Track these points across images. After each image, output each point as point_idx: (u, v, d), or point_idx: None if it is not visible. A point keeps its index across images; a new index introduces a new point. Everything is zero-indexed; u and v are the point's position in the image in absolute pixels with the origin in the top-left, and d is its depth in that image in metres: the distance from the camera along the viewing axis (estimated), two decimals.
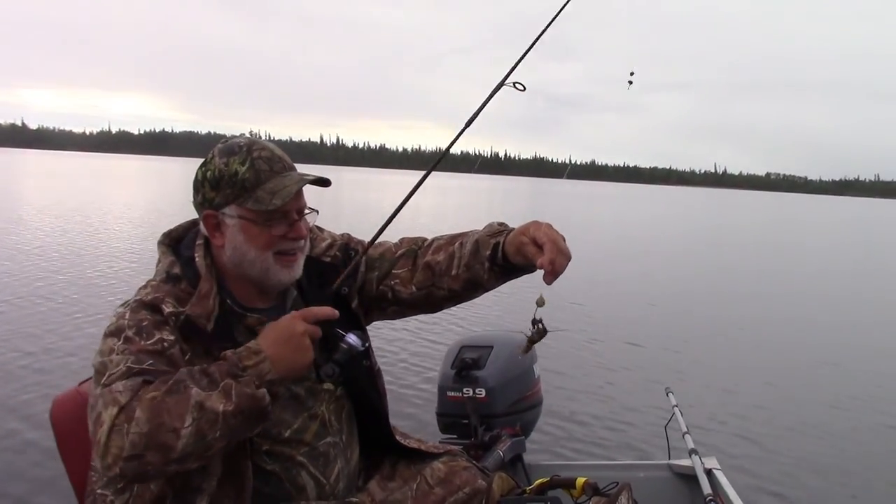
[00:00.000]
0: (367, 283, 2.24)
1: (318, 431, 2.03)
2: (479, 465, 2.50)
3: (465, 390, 3.22)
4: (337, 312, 1.89)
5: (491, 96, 2.22)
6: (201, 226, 1.99)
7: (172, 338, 1.83)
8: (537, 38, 2.33)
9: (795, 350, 9.64)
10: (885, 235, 41.56)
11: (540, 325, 2.07)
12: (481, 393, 3.21)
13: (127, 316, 1.84)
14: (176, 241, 2.05)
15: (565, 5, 2.39)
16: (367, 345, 2.08)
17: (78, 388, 2.14)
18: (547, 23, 2.34)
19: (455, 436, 3.29)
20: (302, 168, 2.07)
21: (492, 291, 2.22)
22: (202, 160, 2.01)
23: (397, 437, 2.29)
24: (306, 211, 2.00)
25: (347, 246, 2.23)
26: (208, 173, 1.94)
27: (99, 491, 1.89)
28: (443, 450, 2.43)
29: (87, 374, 2.21)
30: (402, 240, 2.30)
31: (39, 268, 12.63)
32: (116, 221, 22.01)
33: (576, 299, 11.78)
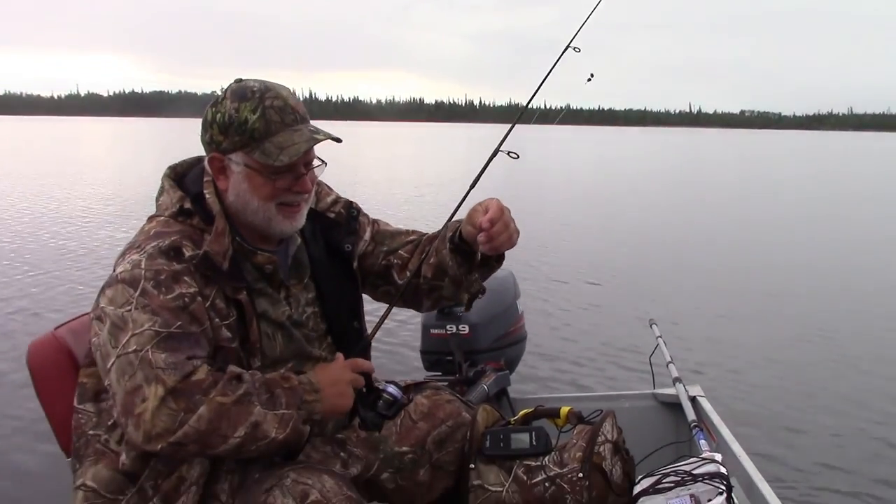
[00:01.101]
0: (374, 255, 2.26)
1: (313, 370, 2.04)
2: (464, 398, 2.52)
3: (448, 327, 3.22)
4: (373, 367, 2.00)
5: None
6: (206, 163, 1.96)
7: (193, 290, 1.81)
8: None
9: (776, 281, 9.84)
10: (857, 167, 41.89)
11: None
12: (465, 329, 3.22)
13: (143, 264, 1.80)
14: (180, 177, 2.03)
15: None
16: (408, 398, 2.17)
17: (54, 332, 2.11)
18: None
19: (440, 373, 3.31)
20: None
21: None
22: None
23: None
24: (315, 163, 1.98)
25: (351, 205, 2.23)
26: (218, 115, 1.90)
27: (91, 432, 1.88)
28: (426, 384, 2.44)
29: (63, 320, 2.20)
30: (413, 230, 2.35)
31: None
32: (88, 183, 21.83)
33: (558, 240, 11.97)
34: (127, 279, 1.79)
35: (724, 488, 2.10)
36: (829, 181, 29.09)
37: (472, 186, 2.21)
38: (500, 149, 2.26)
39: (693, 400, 2.97)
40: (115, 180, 23.01)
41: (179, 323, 1.76)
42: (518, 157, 2.25)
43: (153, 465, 1.82)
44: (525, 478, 2.24)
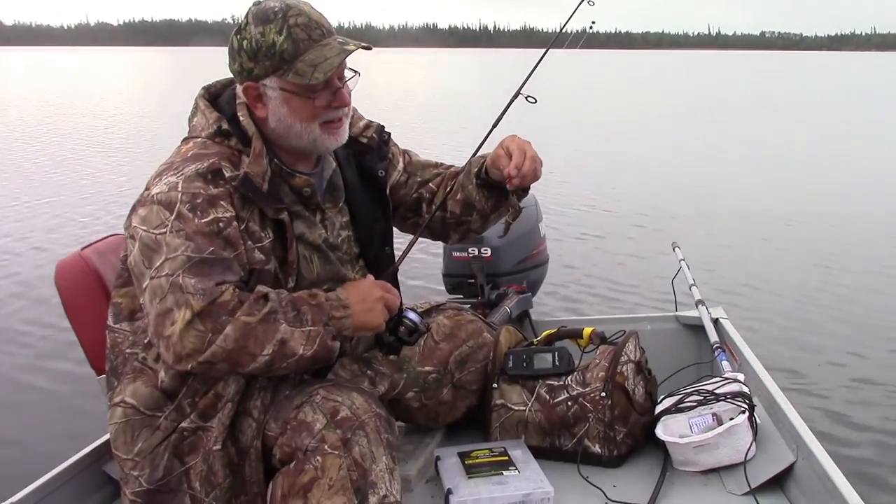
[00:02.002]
0: (407, 186, 2.29)
1: None
2: (486, 320, 2.55)
3: (470, 250, 3.23)
4: (400, 299, 2.00)
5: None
6: (238, 89, 1.95)
7: (229, 214, 1.82)
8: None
9: (798, 207, 9.76)
10: (881, 89, 41.17)
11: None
12: (486, 252, 3.23)
13: (180, 186, 1.80)
14: (214, 97, 2.02)
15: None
16: (427, 325, 2.16)
17: (81, 252, 2.15)
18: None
19: (462, 296, 3.33)
20: None
21: None
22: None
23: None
24: (348, 76, 1.96)
25: (383, 130, 2.22)
26: (244, 42, 1.88)
27: (128, 350, 1.92)
28: (447, 305, 2.47)
29: (89, 241, 2.24)
30: (439, 162, 2.36)
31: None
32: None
33: (579, 167, 11.89)
34: (163, 201, 1.79)
35: (746, 407, 2.13)
36: (852, 104, 28.58)
37: (493, 127, 2.23)
38: (521, 92, 2.28)
39: (715, 322, 2.98)
40: (132, 112, 22.97)
41: (212, 248, 1.77)
42: (536, 101, 2.27)
43: (191, 382, 1.86)
44: (548, 397, 2.29)
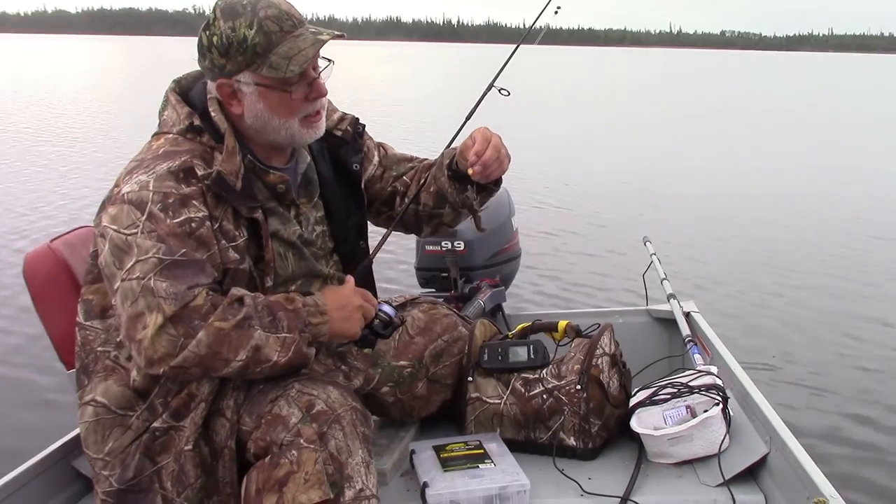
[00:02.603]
0: (382, 180, 2.29)
1: (321, 288, 2.06)
2: (461, 314, 2.56)
3: (443, 243, 3.24)
4: (377, 305, 2.01)
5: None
6: (210, 85, 1.93)
7: (201, 213, 1.80)
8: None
9: (765, 201, 9.96)
10: (843, 89, 41.96)
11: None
12: (460, 245, 3.24)
13: (151, 185, 1.78)
14: (185, 91, 2.00)
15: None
16: (402, 318, 2.19)
17: (49, 244, 2.12)
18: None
19: (435, 289, 3.34)
20: None
21: None
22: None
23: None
24: (323, 65, 1.95)
25: (357, 122, 2.22)
26: (214, 38, 1.85)
27: (100, 349, 1.90)
28: (422, 299, 2.47)
29: (59, 232, 2.21)
30: (412, 156, 2.36)
31: None
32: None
33: (550, 163, 11.95)
34: (134, 200, 1.77)
35: (719, 399, 2.16)
36: (815, 103, 29.08)
37: (467, 120, 2.25)
38: (494, 84, 2.30)
39: (687, 316, 3.02)
40: (96, 98, 22.62)
41: (184, 250, 1.76)
42: (509, 94, 2.28)
43: (163, 382, 1.85)
44: (523, 390, 2.30)
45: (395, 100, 24.69)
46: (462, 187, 2.20)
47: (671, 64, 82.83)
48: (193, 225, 1.79)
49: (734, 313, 5.77)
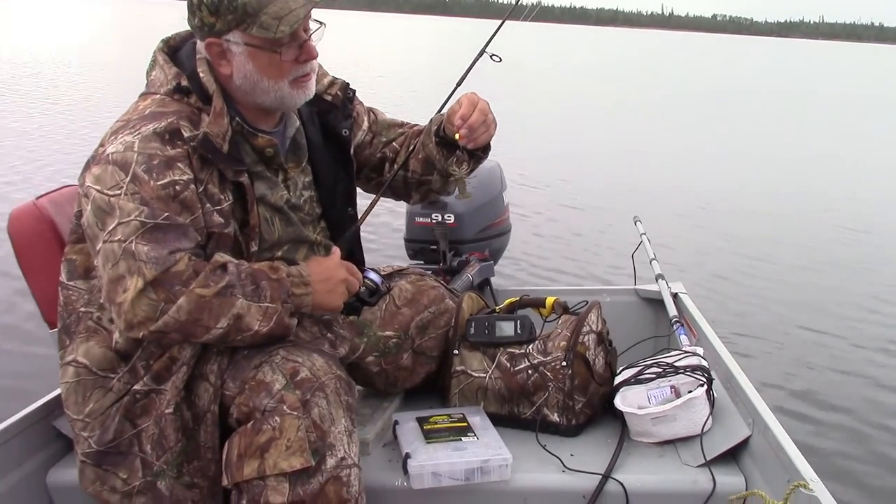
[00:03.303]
0: (372, 146, 2.27)
1: (307, 255, 2.06)
2: (448, 286, 2.56)
3: (433, 216, 3.24)
4: (361, 280, 2.01)
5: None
6: (199, 45, 1.90)
7: (186, 176, 1.78)
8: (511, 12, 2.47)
9: (756, 185, 10.04)
10: (827, 77, 42.01)
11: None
12: (450, 218, 3.24)
13: (136, 146, 1.76)
14: (173, 51, 1.97)
15: None
16: (388, 286, 2.19)
17: (35, 202, 2.10)
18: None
19: (423, 262, 3.34)
20: None
21: None
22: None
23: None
24: (314, 27, 1.93)
25: (348, 87, 2.20)
26: None
27: (82, 309, 1.89)
28: (410, 270, 2.47)
29: (45, 190, 2.19)
30: (403, 121, 2.34)
31: None
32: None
33: (541, 140, 11.92)
34: (118, 161, 1.75)
35: (704, 381, 2.17)
36: (808, 90, 29.15)
37: (457, 86, 2.24)
38: (486, 50, 2.28)
39: (675, 296, 3.03)
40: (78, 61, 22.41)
41: (167, 214, 1.74)
42: (500, 60, 2.27)
43: (146, 344, 1.84)
44: (508, 365, 2.30)
45: (384, 70, 24.55)
46: (450, 153, 2.18)
47: (662, 46, 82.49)
48: (178, 188, 1.77)
49: (723, 294, 5.82)
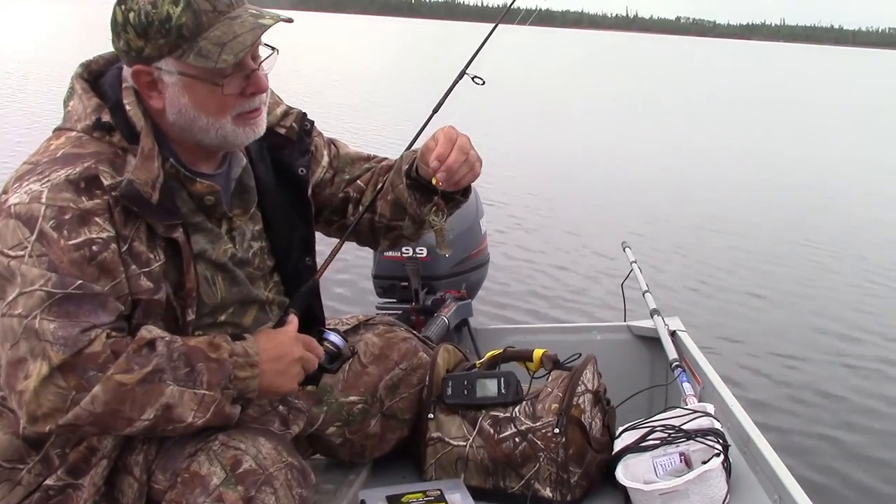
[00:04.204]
0: (333, 185, 1.96)
1: (258, 316, 1.77)
2: (422, 335, 2.30)
3: (404, 250, 2.93)
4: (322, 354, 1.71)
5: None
6: (126, 71, 1.60)
7: (105, 234, 1.48)
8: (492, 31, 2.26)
9: (751, 201, 9.74)
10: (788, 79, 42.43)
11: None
12: (422, 252, 2.93)
13: (44, 198, 1.46)
14: (95, 77, 1.65)
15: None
16: (353, 349, 1.94)
17: None
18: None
19: (394, 300, 3.04)
20: None
21: None
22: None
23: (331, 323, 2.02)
24: (265, 54, 1.62)
25: (305, 118, 1.89)
26: (131, 15, 1.51)
27: None
28: (378, 320, 2.18)
29: None
30: (369, 155, 2.04)
31: None
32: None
33: (512, 157, 11.57)
34: (22, 215, 1.46)
35: (720, 449, 1.91)
36: (784, 94, 29.33)
37: (434, 112, 1.97)
38: (466, 72, 2.03)
39: (673, 335, 2.78)
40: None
41: (80, 281, 1.45)
42: (484, 82, 2.02)
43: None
44: (492, 431, 2.04)
45: (349, 75, 24.15)
46: (423, 197, 1.89)
47: (627, 49, 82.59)
48: (95, 248, 1.47)
49: (724, 332, 5.34)
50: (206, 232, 1.67)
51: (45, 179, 1.48)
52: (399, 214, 1.93)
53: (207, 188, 1.65)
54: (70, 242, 1.45)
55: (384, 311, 2.94)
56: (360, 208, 1.95)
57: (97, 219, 1.48)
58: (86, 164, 1.50)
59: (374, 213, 1.95)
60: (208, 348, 1.53)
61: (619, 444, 2.04)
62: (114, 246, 1.50)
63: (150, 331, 1.50)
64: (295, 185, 1.86)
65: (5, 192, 1.51)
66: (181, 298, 1.60)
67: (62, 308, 1.43)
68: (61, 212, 1.46)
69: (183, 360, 1.49)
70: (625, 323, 3.00)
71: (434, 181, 1.75)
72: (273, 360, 1.59)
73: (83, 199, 1.48)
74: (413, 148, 1.92)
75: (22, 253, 1.44)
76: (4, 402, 1.57)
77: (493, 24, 2.27)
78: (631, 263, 3.35)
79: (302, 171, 1.86)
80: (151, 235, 1.55)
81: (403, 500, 1.94)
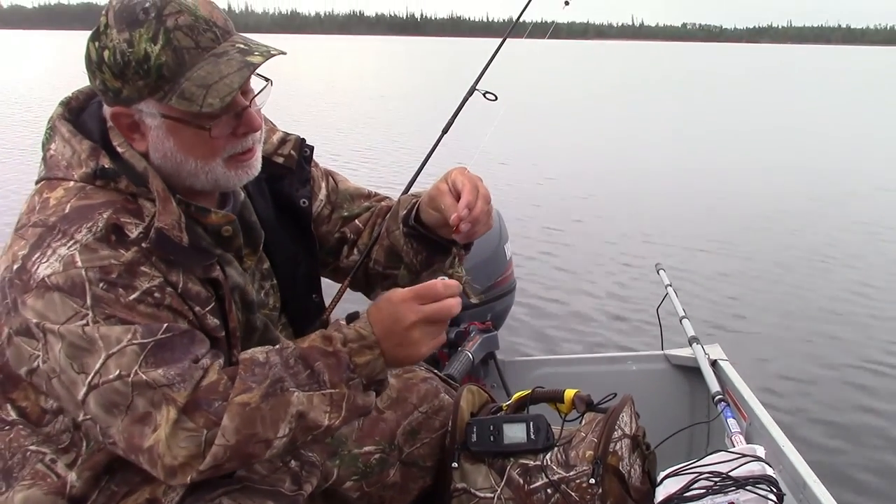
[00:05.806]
0: (330, 222, 1.87)
1: None
2: (444, 372, 2.18)
3: None
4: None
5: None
6: (107, 110, 1.49)
7: (157, 282, 1.39)
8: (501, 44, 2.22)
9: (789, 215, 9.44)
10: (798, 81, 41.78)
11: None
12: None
13: (79, 261, 1.34)
14: (76, 114, 1.54)
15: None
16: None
17: None
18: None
19: None
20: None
21: None
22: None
23: None
24: (257, 87, 1.51)
25: (304, 144, 1.79)
26: (105, 53, 1.40)
27: (32, 448, 1.48)
28: None
29: None
30: (370, 192, 1.94)
31: None
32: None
33: (537, 176, 11.40)
34: (63, 286, 1.34)
35: (774, 500, 1.77)
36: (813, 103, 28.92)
37: (444, 132, 1.92)
38: (477, 88, 1.99)
39: (714, 364, 2.64)
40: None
41: (165, 325, 1.37)
42: (496, 98, 1.97)
43: (105, 485, 1.49)
44: (521, 481, 1.91)
45: (357, 95, 23.96)
46: (422, 247, 1.78)
47: (635, 59, 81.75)
48: (157, 295, 1.38)
49: (767, 361, 5.04)
50: (233, 266, 1.57)
51: (70, 241, 1.37)
52: (394, 263, 1.83)
53: (223, 218, 1.54)
54: (130, 298, 1.36)
55: None
56: (356, 251, 1.85)
57: (143, 268, 1.39)
58: (105, 216, 1.40)
59: (370, 259, 1.85)
60: (322, 342, 1.44)
61: (660, 493, 1.89)
62: (170, 290, 1.40)
63: (249, 351, 1.43)
64: (296, 217, 1.76)
65: (22, 265, 1.38)
66: (228, 340, 1.52)
67: (159, 355, 1.35)
68: (105, 272, 1.35)
69: (301, 363, 1.41)
70: (662, 352, 2.88)
71: (454, 233, 1.64)
72: (387, 334, 1.46)
73: (120, 251, 1.38)
74: (411, 193, 1.82)
75: (85, 321, 1.34)
76: (52, 465, 1.48)
77: (501, 39, 2.21)
78: (666, 287, 3.22)
79: (304, 202, 1.77)
80: (188, 274, 1.46)
81: None
